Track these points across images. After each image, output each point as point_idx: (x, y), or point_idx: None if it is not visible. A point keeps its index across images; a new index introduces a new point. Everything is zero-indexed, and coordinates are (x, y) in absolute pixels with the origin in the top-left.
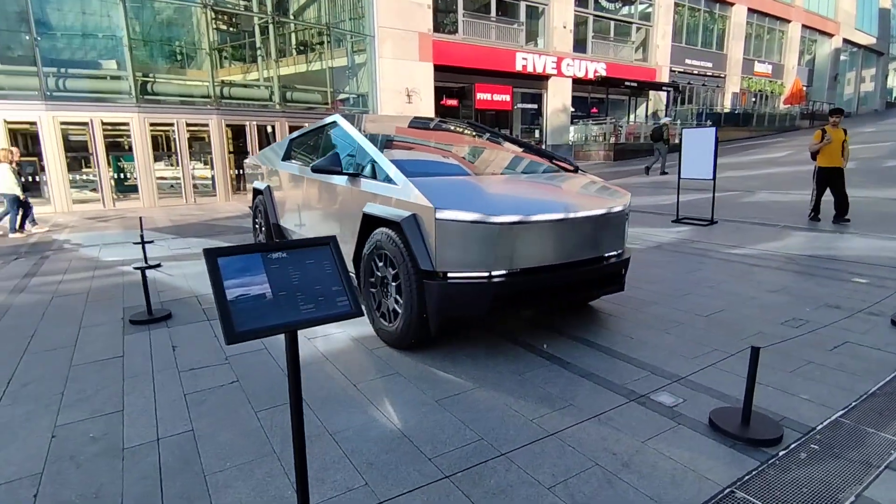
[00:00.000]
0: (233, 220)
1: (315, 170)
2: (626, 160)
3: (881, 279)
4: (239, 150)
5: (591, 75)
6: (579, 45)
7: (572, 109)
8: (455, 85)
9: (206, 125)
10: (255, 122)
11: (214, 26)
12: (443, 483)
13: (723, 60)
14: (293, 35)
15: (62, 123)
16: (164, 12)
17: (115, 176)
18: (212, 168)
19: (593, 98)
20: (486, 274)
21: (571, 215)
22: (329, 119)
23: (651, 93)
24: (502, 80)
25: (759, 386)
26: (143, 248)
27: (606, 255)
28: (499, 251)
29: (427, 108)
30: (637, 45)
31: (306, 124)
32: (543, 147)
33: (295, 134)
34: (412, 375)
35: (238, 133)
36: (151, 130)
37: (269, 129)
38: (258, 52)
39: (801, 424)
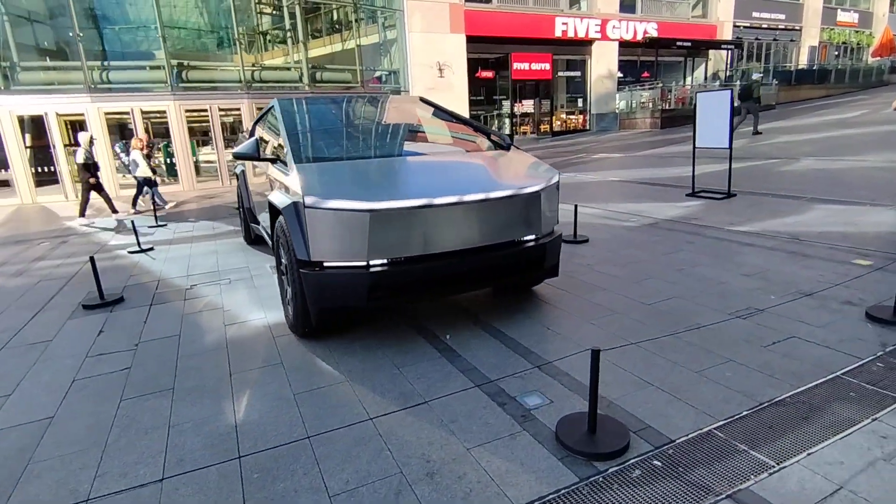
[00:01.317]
0: None
1: (235, 156)
2: (676, 127)
3: (892, 261)
4: None
5: (640, 37)
6: (627, 6)
7: (620, 75)
8: (490, 56)
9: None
10: None
11: (258, 10)
12: (233, 484)
13: (798, 11)
14: (322, 15)
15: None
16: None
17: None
18: None
19: (644, 61)
20: (364, 263)
21: (463, 198)
22: (270, 103)
23: (711, 52)
24: (541, 48)
25: (650, 387)
26: (136, 234)
27: (518, 239)
28: (375, 240)
29: (460, 82)
30: (695, 1)
31: None
32: (587, 115)
33: (258, 116)
34: (292, 366)
35: None
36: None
37: None
38: (287, 35)
39: (661, 436)
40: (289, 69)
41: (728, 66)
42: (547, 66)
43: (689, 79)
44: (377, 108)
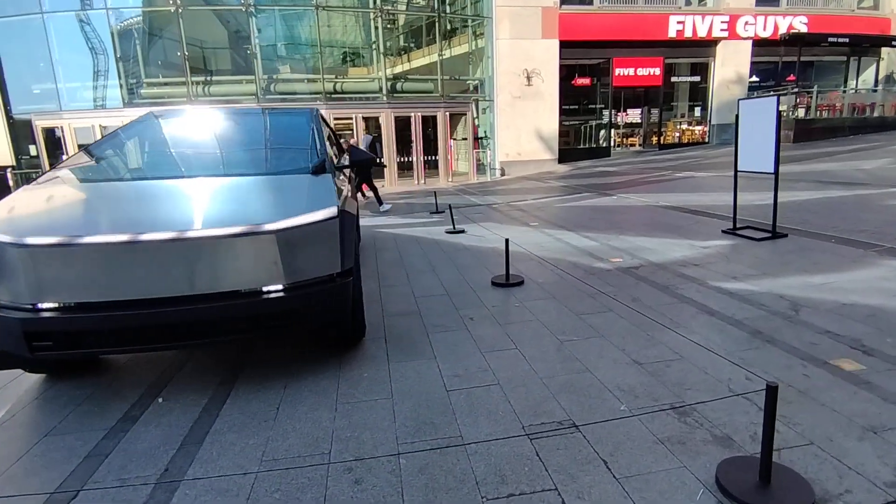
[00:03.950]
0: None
1: None
2: (814, 141)
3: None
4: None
5: (782, 33)
6: None
7: (753, 79)
8: (588, 61)
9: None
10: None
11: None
12: None
13: None
14: (406, 28)
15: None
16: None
17: None
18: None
19: (787, 62)
20: (22, 306)
21: (152, 237)
22: None
23: (884, 51)
24: (649, 52)
25: None
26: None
27: (247, 289)
28: (37, 278)
29: (550, 90)
30: None
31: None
32: (707, 126)
33: None
34: None
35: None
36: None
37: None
38: (372, 47)
39: None
40: (372, 80)
41: None
42: (657, 71)
43: (852, 82)
44: (234, 123)
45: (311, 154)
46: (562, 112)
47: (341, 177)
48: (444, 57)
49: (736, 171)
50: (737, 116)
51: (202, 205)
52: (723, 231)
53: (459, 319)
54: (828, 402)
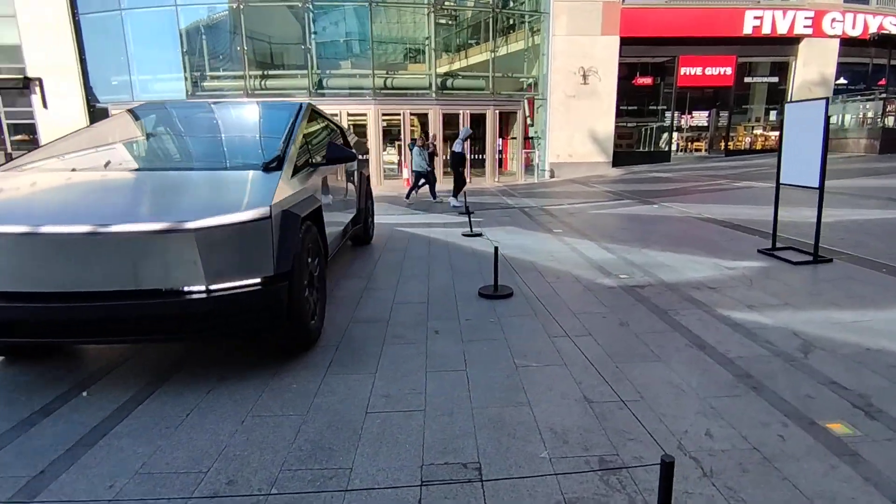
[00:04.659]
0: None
1: None
2: None
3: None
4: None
5: (871, 32)
6: None
7: (841, 81)
8: (650, 59)
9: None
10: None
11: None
12: None
13: None
14: (459, 25)
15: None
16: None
17: None
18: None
19: (878, 65)
20: None
21: (75, 229)
22: None
23: None
24: (720, 49)
25: None
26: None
27: (166, 288)
28: None
29: (607, 89)
30: None
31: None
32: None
33: None
34: None
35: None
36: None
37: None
38: (426, 45)
39: None
40: (422, 77)
41: None
42: (728, 71)
43: None
44: (212, 117)
45: (272, 150)
46: (619, 113)
47: (310, 175)
48: (498, 54)
49: (778, 183)
50: (781, 122)
51: (132, 199)
52: (759, 251)
53: (425, 331)
54: (793, 475)
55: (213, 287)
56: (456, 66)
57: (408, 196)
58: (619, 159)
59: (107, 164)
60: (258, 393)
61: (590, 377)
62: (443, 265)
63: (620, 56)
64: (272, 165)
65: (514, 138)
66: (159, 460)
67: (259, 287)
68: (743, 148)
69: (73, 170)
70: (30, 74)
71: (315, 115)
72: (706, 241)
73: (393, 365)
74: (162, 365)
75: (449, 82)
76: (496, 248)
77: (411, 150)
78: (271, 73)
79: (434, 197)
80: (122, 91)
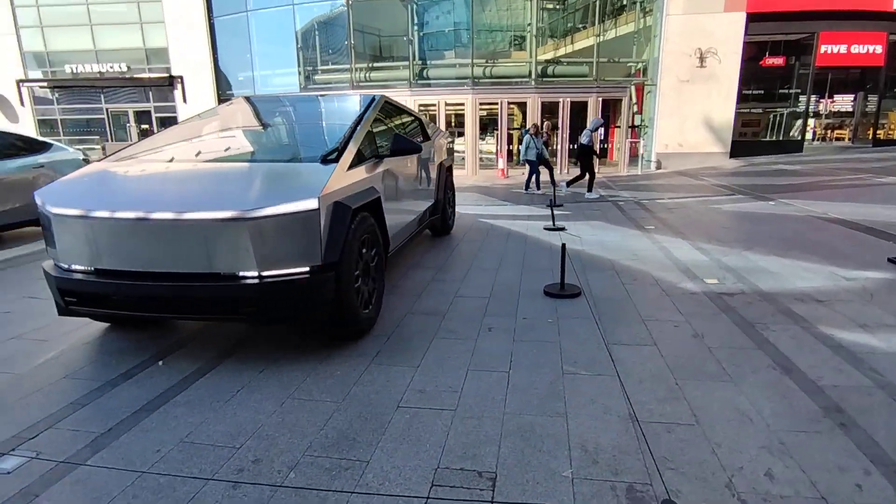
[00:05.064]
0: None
1: None
2: None
3: None
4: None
5: None
6: None
7: None
8: (782, 37)
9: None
10: (568, 99)
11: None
12: None
13: None
14: (564, 10)
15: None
16: None
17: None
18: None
19: None
20: (60, 266)
21: (150, 216)
22: None
23: None
24: (867, 25)
25: None
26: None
27: (226, 272)
28: (63, 245)
29: (728, 72)
30: None
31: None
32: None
33: None
34: None
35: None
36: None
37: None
38: (526, 31)
39: None
40: (522, 65)
41: None
42: (878, 49)
43: None
44: (287, 110)
45: (333, 143)
46: (741, 98)
47: (375, 166)
48: (607, 38)
49: None
50: None
51: (199, 189)
52: (889, 259)
53: (479, 328)
54: None
55: (264, 273)
56: (558, 52)
57: (526, 187)
58: (738, 149)
59: (197, 153)
60: (304, 377)
61: (642, 392)
62: (515, 259)
63: (745, 34)
64: (329, 158)
65: (618, 127)
66: (203, 431)
67: (307, 276)
68: (895, 137)
69: (147, 162)
70: (174, 73)
71: (389, 107)
72: (825, 246)
73: (437, 360)
74: (229, 342)
75: (549, 69)
76: (563, 245)
77: (523, 138)
78: (376, 65)
79: (527, 189)
80: (247, 86)
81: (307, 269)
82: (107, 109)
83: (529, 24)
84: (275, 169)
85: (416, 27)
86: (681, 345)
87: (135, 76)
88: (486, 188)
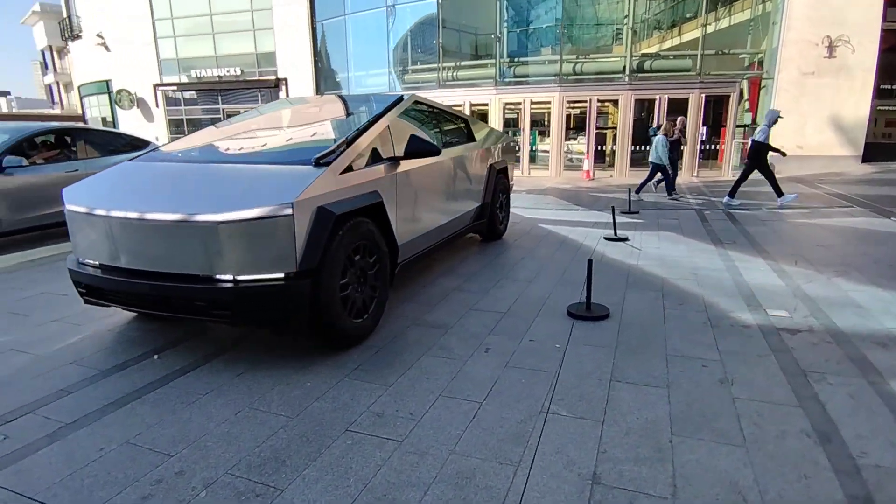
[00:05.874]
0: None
1: None
2: None
3: None
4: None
5: None
6: None
7: None
8: None
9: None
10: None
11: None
12: None
13: None
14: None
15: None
16: None
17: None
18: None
19: None
20: (82, 262)
21: (145, 216)
22: None
23: None
24: None
25: None
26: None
27: (204, 274)
28: (77, 240)
29: (864, 62)
30: None
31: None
32: None
33: None
34: None
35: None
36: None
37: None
38: (624, 25)
39: None
40: (615, 60)
41: None
42: None
43: None
44: (304, 112)
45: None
46: (879, 94)
47: (384, 169)
48: (717, 27)
49: None
50: None
51: (183, 190)
52: None
53: (476, 347)
54: None
55: (239, 277)
56: (656, 46)
57: (638, 190)
58: (873, 152)
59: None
60: (273, 385)
61: (622, 447)
62: (556, 271)
63: (884, 21)
64: (322, 161)
65: (724, 126)
66: (151, 434)
67: (282, 281)
68: None
69: (158, 161)
70: (280, 75)
71: (423, 107)
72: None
73: (413, 380)
74: (228, 339)
75: (646, 64)
76: (589, 261)
77: (653, 137)
78: (462, 63)
79: (670, 194)
80: (343, 86)
81: (282, 275)
82: (223, 110)
83: (626, 17)
84: (261, 171)
85: (504, 24)
86: (699, 391)
87: (247, 79)
88: (564, 191)
